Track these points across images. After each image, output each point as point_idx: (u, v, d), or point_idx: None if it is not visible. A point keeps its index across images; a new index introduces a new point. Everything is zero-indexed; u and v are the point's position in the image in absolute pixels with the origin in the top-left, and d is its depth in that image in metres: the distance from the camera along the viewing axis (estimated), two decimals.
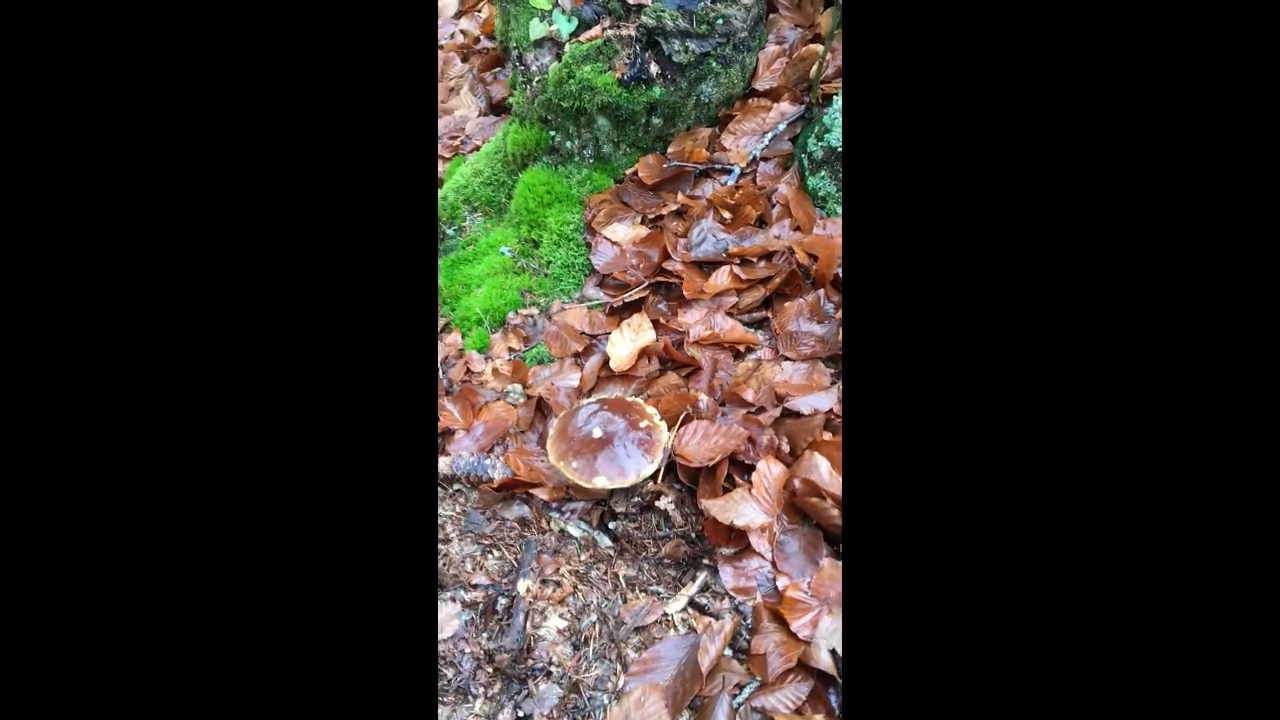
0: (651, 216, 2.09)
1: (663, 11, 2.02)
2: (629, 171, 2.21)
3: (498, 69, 3.03)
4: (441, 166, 2.67)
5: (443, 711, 1.25)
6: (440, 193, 2.41)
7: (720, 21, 2.02)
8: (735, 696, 1.16)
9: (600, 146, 2.20)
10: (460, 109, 2.92)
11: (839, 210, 1.98)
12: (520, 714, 1.22)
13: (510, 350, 1.89)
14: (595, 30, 2.13)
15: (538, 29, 2.20)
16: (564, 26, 2.16)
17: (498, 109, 2.89)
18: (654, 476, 1.41)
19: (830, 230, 1.93)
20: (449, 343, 1.96)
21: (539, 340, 1.90)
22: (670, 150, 2.19)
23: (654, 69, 2.07)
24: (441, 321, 2.05)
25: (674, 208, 2.08)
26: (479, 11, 3.38)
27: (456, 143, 2.79)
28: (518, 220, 2.18)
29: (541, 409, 1.70)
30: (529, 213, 2.15)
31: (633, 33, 2.08)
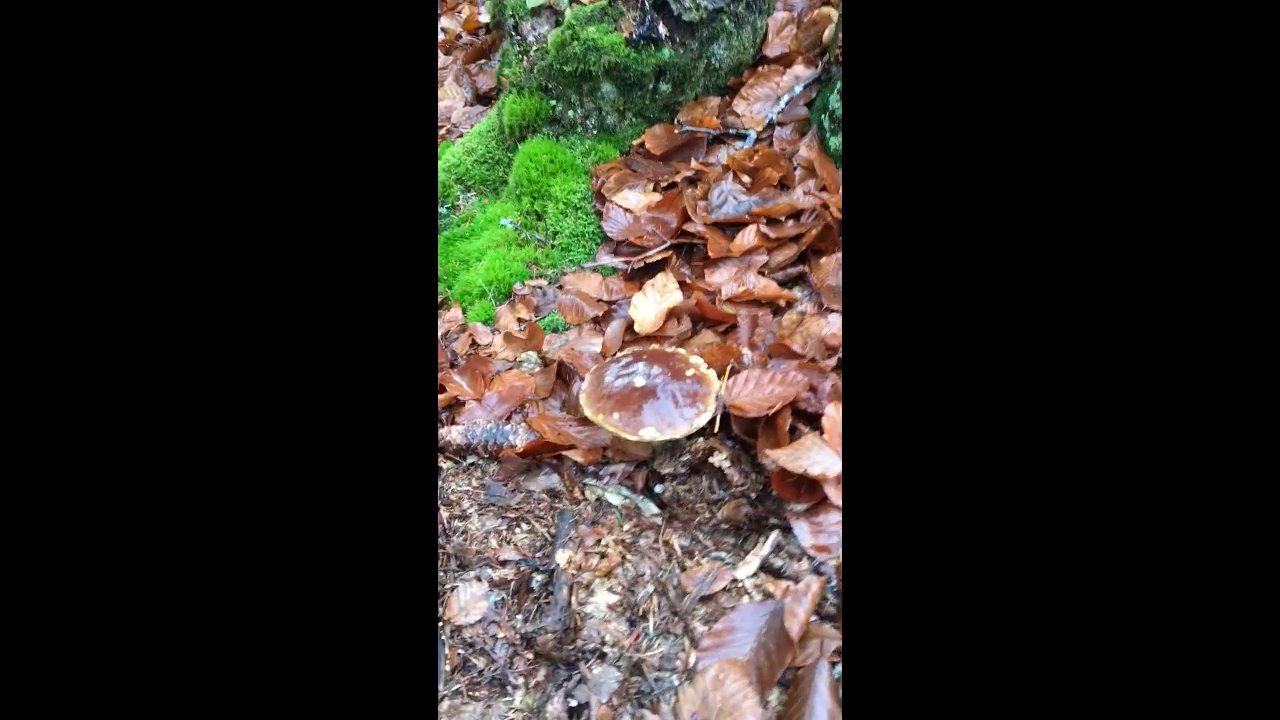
0: (665, 184, 1.96)
1: None
2: (635, 142, 2.08)
3: (483, 60, 2.91)
4: None
5: (474, 709, 1.03)
6: (439, 177, 2.24)
7: None
8: (836, 665, 0.97)
9: (604, 116, 2.07)
10: (445, 99, 2.78)
11: None
12: (573, 704, 1.00)
13: (520, 321, 1.71)
14: None
15: None
16: None
17: (484, 99, 2.77)
18: (707, 429, 1.24)
19: None
20: (449, 318, 1.78)
21: (551, 309, 1.72)
22: (680, 118, 2.07)
23: (663, 29, 1.96)
24: (439, 297, 1.86)
25: (688, 174, 1.95)
26: (459, 11, 3.28)
27: (443, 131, 2.65)
28: (519, 192, 2.03)
29: (562, 375, 1.52)
30: (531, 183, 1.99)
31: None
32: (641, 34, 1.93)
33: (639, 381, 1.25)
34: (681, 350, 1.36)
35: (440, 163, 2.27)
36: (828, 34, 2.04)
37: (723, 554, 1.17)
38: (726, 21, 1.96)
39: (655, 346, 1.43)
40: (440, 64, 3.01)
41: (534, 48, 2.11)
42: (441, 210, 2.13)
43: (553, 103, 2.09)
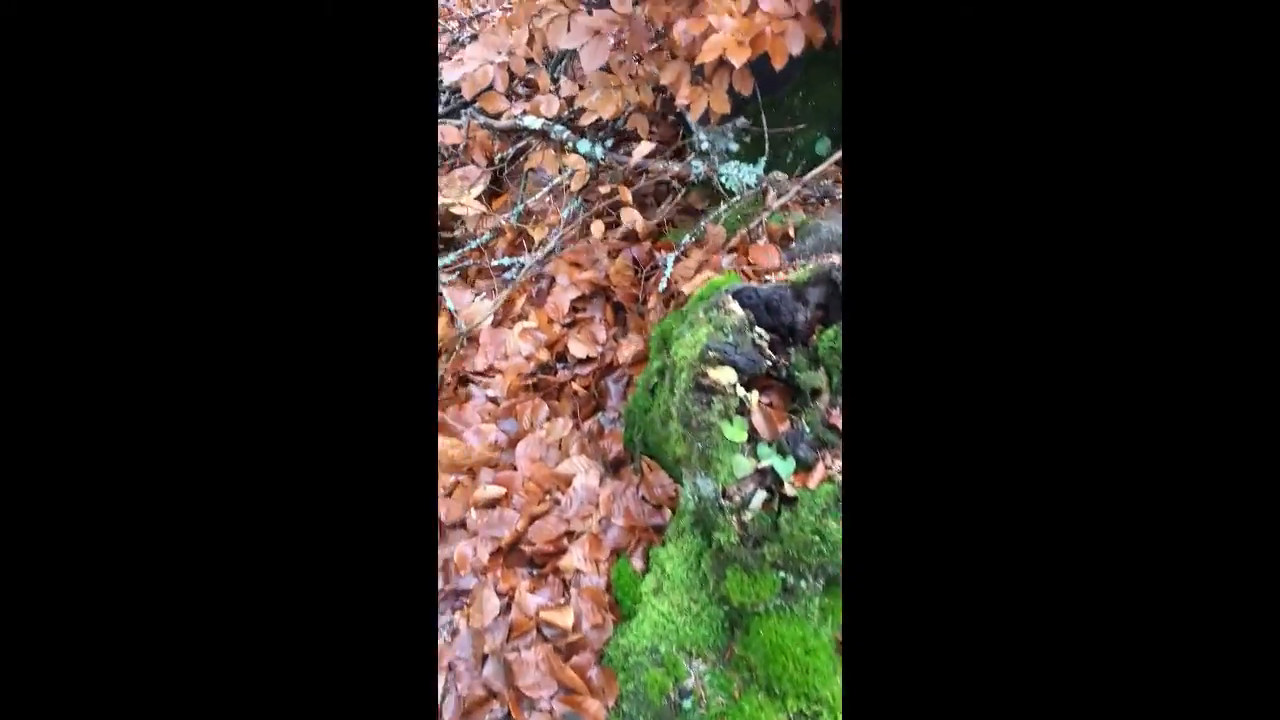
0: None
1: None
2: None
3: (598, 413, 2.76)
4: (601, 569, 2.37)
5: None
6: (641, 641, 2.12)
7: None
8: None
9: (827, 568, 2.02)
10: (576, 474, 2.61)
11: None
12: None
13: None
14: (820, 471, 1.95)
15: (744, 466, 1.99)
16: (782, 467, 1.97)
17: (616, 466, 2.63)
18: None
19: None
20: None
21: None
22: None
23: None
24: None
25: None
26: (523, 323, 3.05)
27: (592, 524, 2.49)
28: (778, 690, 1.95)
29: None
30: (795, 684, 1.92)
31: None
32: None
33: None
34: None
35: (641, 624, 2.15)
36: None
37: None
38: None
39: None
40: (543, 415, 2.82)
41: (749, 515, 2.02)
42: (685, 704, 2.03)
43: (782, 575, 2.01)
